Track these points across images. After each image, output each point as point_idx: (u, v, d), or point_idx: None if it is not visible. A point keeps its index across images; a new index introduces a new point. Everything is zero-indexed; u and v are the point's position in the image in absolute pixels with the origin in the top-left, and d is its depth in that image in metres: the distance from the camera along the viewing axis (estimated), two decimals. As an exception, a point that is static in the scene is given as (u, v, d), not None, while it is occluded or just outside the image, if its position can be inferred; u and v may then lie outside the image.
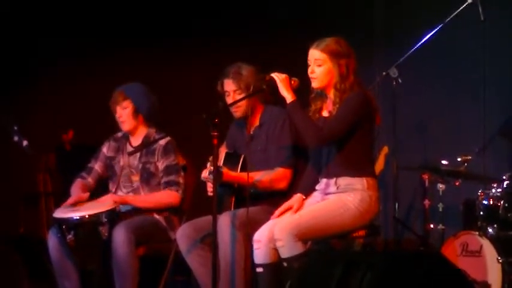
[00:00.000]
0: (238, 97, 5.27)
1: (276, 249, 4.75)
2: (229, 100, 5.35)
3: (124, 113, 5.69)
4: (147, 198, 5.63)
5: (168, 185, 5.63)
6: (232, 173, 5.22)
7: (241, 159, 5.31)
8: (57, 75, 7.27)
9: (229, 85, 5.37)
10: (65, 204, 5.54)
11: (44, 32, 7.16)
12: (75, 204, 5.51)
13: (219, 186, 5.07)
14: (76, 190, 5.67)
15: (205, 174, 5.16)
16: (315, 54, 4.89)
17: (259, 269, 4.81)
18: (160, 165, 5.65)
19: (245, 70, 5.35)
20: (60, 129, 6.66)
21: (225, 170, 5.15)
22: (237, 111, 5.37)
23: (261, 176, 5.23)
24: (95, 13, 7.29)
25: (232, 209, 5.27)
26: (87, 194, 5.62)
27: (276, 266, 4.77)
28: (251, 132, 5.41)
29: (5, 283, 6.35)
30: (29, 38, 7.15)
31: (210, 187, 5.22)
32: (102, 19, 7.30)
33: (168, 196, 5.62)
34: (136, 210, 5.58)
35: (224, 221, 5.08)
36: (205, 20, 7.39)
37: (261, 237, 4.83)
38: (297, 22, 7.21)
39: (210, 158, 4.99)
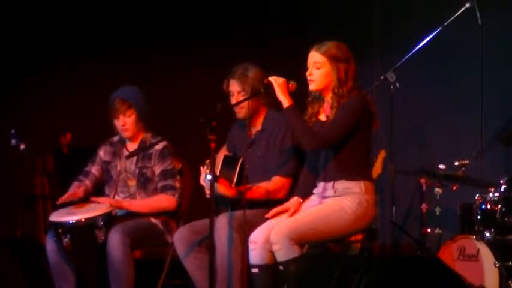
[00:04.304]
0: (242, 98, 5.25)
1: (272, 252, 4.75)
2: (233, 100, 5.34)
3: (128, 121, 5.64)
4: (143, 203, 5.62)
5: (165, 189, 5.62)
6: (228, 191, 5.16)
7: (239, 163, 5.27)
8: (55, 77, 7.26)
9: (234, 86, 5.34)
10: (61, 199, 5.53)
11: (43, 33, 7.15)
12: (72, 207, 5.51)
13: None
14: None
15: (202, 181, 5.16)
16: (315, 57, 4.90)
17: (255, 270, 4.82)
18: (157, 169, 5.64)
19: (252, 72, 5.31)
20: (57, 132, 6.65)
21: (221, 187, 5.11)
22: (240, 112, 5.34)
23: (257, 189, 5.18)
24: (92, 15, 7.29)
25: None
26: (82, 189, 5.63)
27: (272, 267, 4.77)
28: (252, 136, 5.40)
29: (2, 286, 6.34)
30: (28, 39, 7.14)
31: (208, 190, 5.23)
32: (99, 21, 7.29)
33: (165, 200, 5.61)
34: (132, 214, 5.58)
35: (221, 222, 5.07)
36: (204, 22, 7.38)
37: (257, 238, 4.83)
38: (296, 26, 7.21)
39: (207, 161, 4.98)
